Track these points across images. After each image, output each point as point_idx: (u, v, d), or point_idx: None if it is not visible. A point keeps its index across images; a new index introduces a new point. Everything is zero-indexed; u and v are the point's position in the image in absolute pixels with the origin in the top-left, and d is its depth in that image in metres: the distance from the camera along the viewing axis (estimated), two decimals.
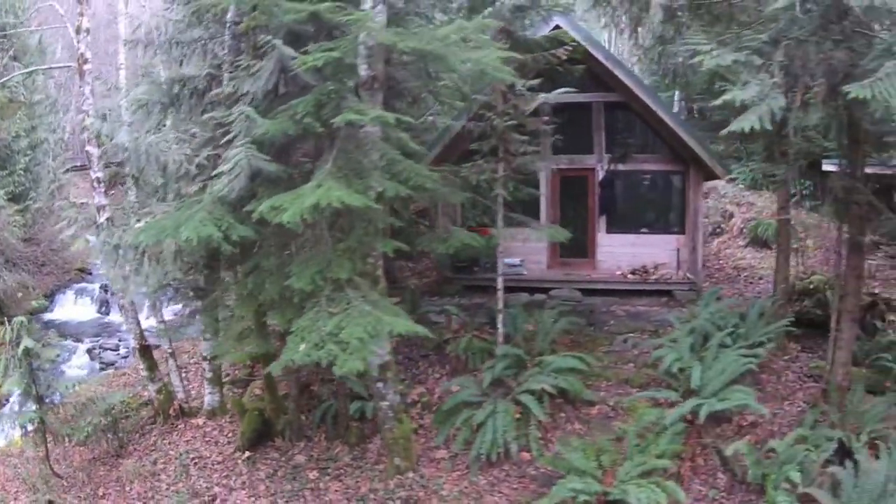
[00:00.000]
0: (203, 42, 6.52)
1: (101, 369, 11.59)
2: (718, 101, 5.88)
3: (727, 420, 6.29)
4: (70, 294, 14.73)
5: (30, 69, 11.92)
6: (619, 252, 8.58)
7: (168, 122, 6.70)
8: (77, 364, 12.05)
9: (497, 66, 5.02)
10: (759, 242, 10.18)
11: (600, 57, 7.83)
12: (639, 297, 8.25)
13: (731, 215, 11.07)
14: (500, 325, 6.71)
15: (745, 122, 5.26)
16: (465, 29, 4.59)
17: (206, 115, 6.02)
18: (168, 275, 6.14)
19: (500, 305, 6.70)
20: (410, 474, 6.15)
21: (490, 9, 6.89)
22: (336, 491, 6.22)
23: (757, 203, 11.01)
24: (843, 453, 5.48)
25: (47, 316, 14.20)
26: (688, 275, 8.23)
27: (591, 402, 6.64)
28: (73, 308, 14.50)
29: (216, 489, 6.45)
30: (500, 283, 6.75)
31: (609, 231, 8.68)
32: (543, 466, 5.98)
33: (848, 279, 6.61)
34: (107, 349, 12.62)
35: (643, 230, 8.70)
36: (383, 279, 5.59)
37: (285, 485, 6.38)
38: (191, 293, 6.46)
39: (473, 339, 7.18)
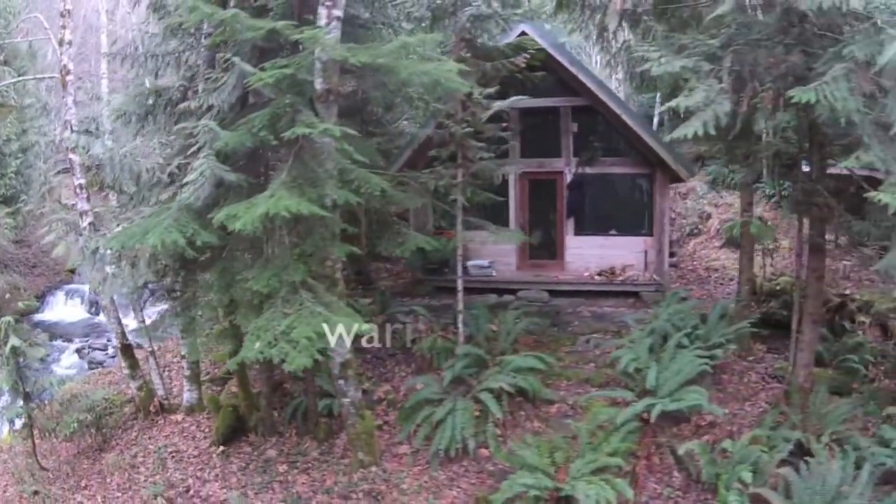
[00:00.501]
0: (177, 55, 7.04)
1: (90, 368, 12.22)
2: (663, 108, 6.27)
3: (685, 420, 6.63)
4: (60, 295, 15.43)
5: (16, 79, 12.58)
6: (588, 254, 9.02)
7: (146, 132, 7.25)
8: (66, 364, 12.71)
9: (449, 76, 5.51)
10: (734, 243, 10.52)
11: (565, 62, 8.26)
12: (606, 299, 8.69)
13: (709, 216, 11.45)
14: (460, 325, 7.19)
15: (688, 129, 5.68)
16: (408, 44, 5.06)
17: (178, 126, 6.55)
18: (142, 277, 6.67)
19: (461, 306, 7.18)
20: (373, 468, 6.65)
21: (457, 18, 7.33)
22: (303, 483, 6.73)
23: (735, 204, 11.35)
24: (802, 454, 5.76)
25: (38, 316, 14.90)
26: (654, 276, 8.65)
27: (551, 400, 7.09)
28: (63, 309, 15.20)
29: (190, 481, 6.99)
30: (460, 285, 7.22)
31: (577, 233, 9.12)
32: (501, 462, 6.43)
33: (809, 281, 6.95)
34: (95, 349, 13.27)
35: (611, 232, 9.13)
36: (342, 281, 6.09)
37: (256, 477, 6.91)
38: (165, 294, 6.99)
39: (438, 338, 7.65)
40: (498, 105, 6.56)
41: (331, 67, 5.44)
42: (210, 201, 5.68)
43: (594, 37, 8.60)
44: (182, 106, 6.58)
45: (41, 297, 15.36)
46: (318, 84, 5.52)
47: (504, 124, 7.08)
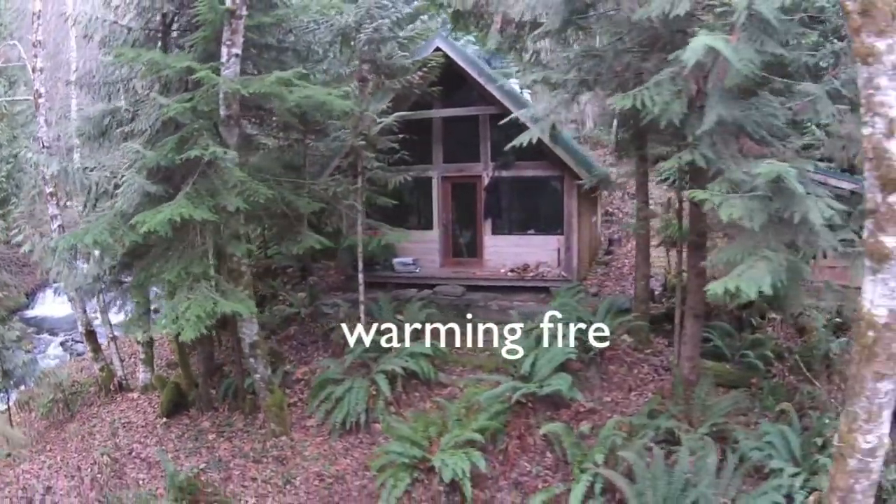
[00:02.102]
0: (125, 82, 9.26)
1: (72, 358, 14.87)
2: (506, 120, 8.03)
3: (566, 406, 8.25)
4: (49, 293, 18.27)
5: (4, 99, 15.39)
6: (505, 252, 10.76)
7: (102, 149, 9.53)
8: (51, 355, 15.43)
9: (330, 99, 7.50)
10: (669, 242, 11.97)
11: (474, 74, 10.05)
12: (520, 294, 10.40)
13: (654, 214, 12.87)
14: (361, 315, 9.12)
15: (524, 137, 7.47)
16: (283, 77, 7.06)
17: (124, 144, 8.75)
18: (92, 271, 8.93)
19: (362, 298, 9.11)
20: (283, 437, 8.68)
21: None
22: (225, 449, 8.84)
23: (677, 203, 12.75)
24: (675, 443, 7.08)
25: (28, 313, 17.81)
26: (562, 272, 10.32)
27: (445, 384, 8.94)
28: (51, 305, 18.02)
29: (135, 445, 9.22)
30: (361, 279, 9.17)
31: (494, 233, 10.89)
32: (390, 436, 8.31)
33: (689, 277, 8.50)
34: (78, 342, 15.91)
35: (529, 231, 10.84)
36: (248, 274, 8.14)
37: (188, 444, 9.06)
38: (114, 285, 9.25)
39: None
40: (386, 120, 8.44)
41: (230, 97, 7.49)
42: (141, 208, 7.82)
43: (505, 48, 10.40)
44: (128, 127, 8.80)
45: (31, 295, 18.28)
46: (222, 111, 7.58)
47: (400, 135, 8.95)
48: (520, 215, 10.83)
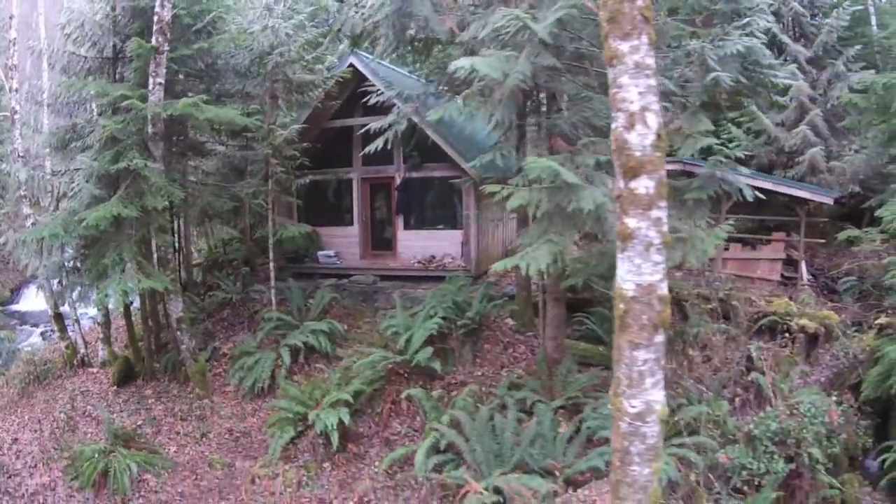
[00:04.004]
0: (84, 102, 12.71)
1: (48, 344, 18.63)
2: (363, 130, 11.08)
3: (440, 377, 11.15)
4: (33, 288, 22.24)
5: None
6: (415, 245, 13.68)
7: (66, 158, 13.02)
8: (31, 343, 19.27)
9: (235, 116, 10.68)
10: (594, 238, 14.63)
11: (381, 87, 13.03)
12: (425, 282, 13.29)
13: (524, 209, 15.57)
14: (272, 297, 12.25)
15: (371, 146, 10.47)
16: (191, 101, 10.26)
17: (80, 155, 12.17)
18: (54, 260, 12.39)
19: (273, 283, 12.23)
20: (206, 400, 11.86)
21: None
22: (160, 410, 12.08)
23: None
24: (527, 411, 9.91)
25: (13, 307, 21.81)
26: (461, 263, 13.17)
27: (340, 357, 11.93)
28: (34, 300, 21.95)
29: (88, 407, 12.57)
30: (272, 266, 12.28)
31: (406, 228, 13.82)
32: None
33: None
34: (55, 332, 19.72)
35: (438, 226, 13.73)
36: (174, 260, 11.37)
37: (132, 406, 12.36)
38: (74, 271, 12.69)
39: (273, 310, 12.74)
40: (286, 132, 11.54)
41: (155, 117, 10.74)
42: (90, 208, 11.16)
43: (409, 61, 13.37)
44: (81, 142, 12.22)
45: (16, 290, 22.32)
46: (149, 129, 10.85)
47: (306, 144, 12.06)
48: (428, 212, 13.75)
